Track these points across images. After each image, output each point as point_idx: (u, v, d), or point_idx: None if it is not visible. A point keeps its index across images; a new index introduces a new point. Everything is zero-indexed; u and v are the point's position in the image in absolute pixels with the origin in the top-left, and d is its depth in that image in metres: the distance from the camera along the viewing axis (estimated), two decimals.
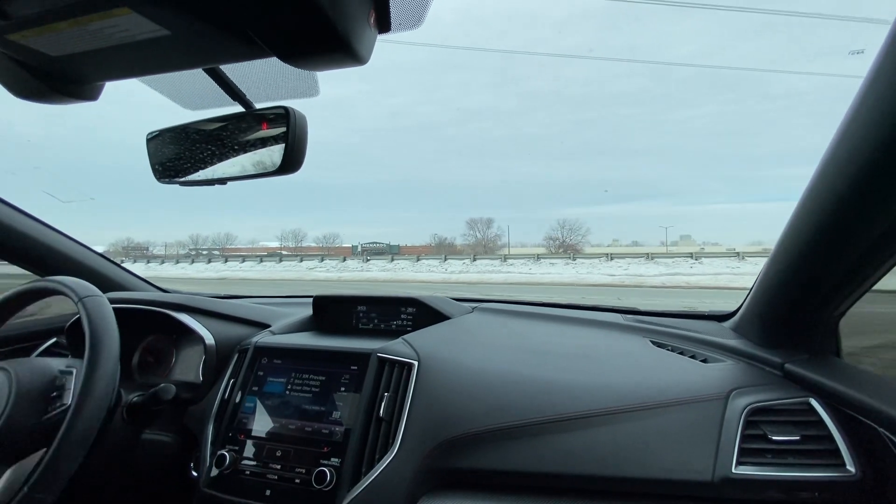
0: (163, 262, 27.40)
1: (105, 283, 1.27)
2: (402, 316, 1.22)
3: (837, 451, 0.68)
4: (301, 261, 25.44)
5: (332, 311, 1.26)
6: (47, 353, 1.20)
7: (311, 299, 1.26)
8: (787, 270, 0.78)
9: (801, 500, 0.67)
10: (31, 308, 0.92)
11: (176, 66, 0.54)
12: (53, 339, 1.23)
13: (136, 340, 1.17)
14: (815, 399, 0.73)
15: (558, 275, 17.29)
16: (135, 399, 0.89)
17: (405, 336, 0.97)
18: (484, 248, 43.79)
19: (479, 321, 1.19)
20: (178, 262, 26.61)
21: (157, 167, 0.74)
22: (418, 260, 23.86)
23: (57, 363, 0.82)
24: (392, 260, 24.25)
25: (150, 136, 0.75)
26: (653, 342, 1.01)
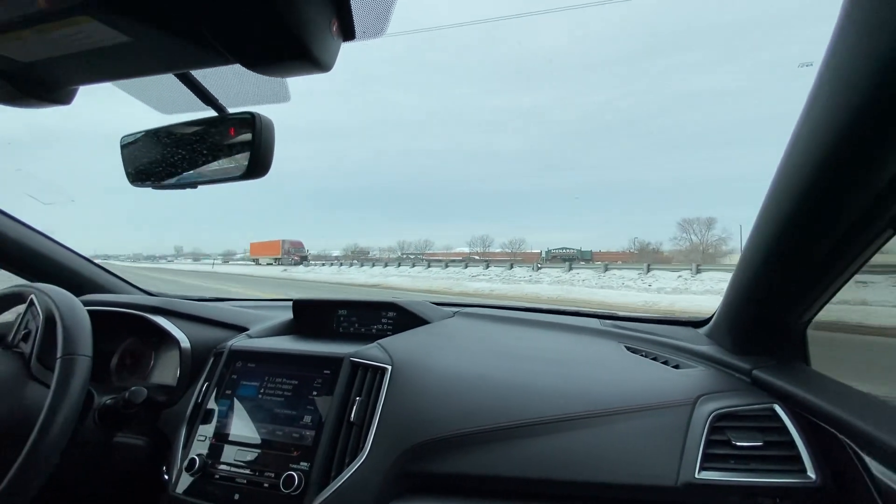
0: (373, 265, 27.22)
1: (86, 286, 1.27)
2: (383, 320, 1.23)
3: (799, 457, 0.68)
4: (465, 267, 22.08)
5: (312, 315, 1.27)
6: None
7: (291, 303, 1.26)
8: (754, 278, 0.79)
9: None
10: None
11: (143, 71, 0.55)
12: None
13: (114, 343, 1.17)
14: (779, 405, 0.74)
15: None
16: (107, 402, 0.89)
17: (381, 340, 0.98)
18: (702, 254, 35.30)
19: (459, 326, 1.19)
20: (386, 266, 26.15)
21: (130, 171, 0.74)
22: (606, 270, 15.98)
23: None
24: (570, 269, 17.37)
25: (124, 141, 0.75)
26: (627, 347, 1.02)
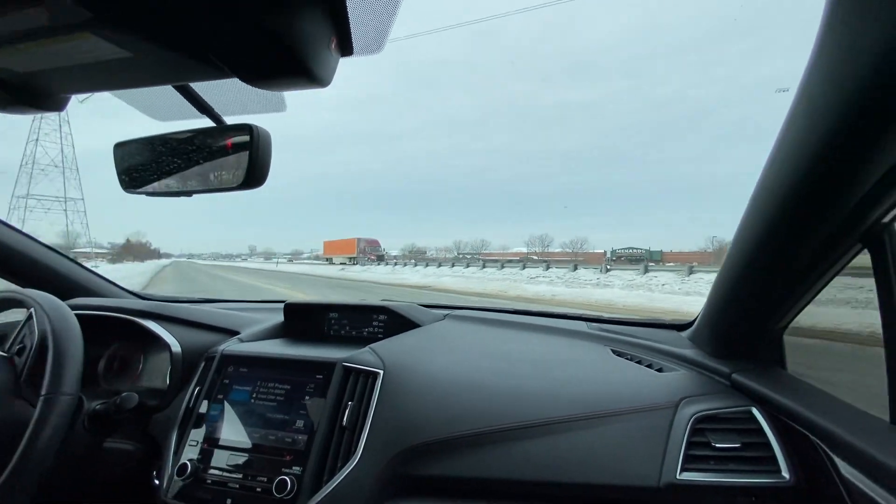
0: (427, 265, 26.38)
1: (74, 289, 1.26)
2: (374, 323, 1.24)
3: (774, 458, 0.71)
4: (523, 267, 20.48)
5: (302, 318, 1.27)
6: None
7: (282, 305, 1.27)
8: (734, 283, 0.82)
9: None
10: None
11: (141, 83, 0.56)
12: None
13: (103, 347, 1.16)
14: (756, 408, 0.77)
15: None
16: (97, 407, 0.88)
17: (372, 345, 0.99)
18: None
19: (450, 328, 1.21)
20: (440, 266, 25.26)
21: (123, 177, 0.74)
22: (691, 273, 13.38)
23: None
24: (645, 271, 14.91)
25: (117, 146, 0.75)
26: (613, 351, 1.05)
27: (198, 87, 0.66)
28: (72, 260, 1.32)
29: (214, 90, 0.69)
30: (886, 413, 0.62)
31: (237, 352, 1.01)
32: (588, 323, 1.24)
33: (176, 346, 1.04)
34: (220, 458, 0.86)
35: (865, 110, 0.48)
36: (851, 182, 0.55)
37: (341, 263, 38.79)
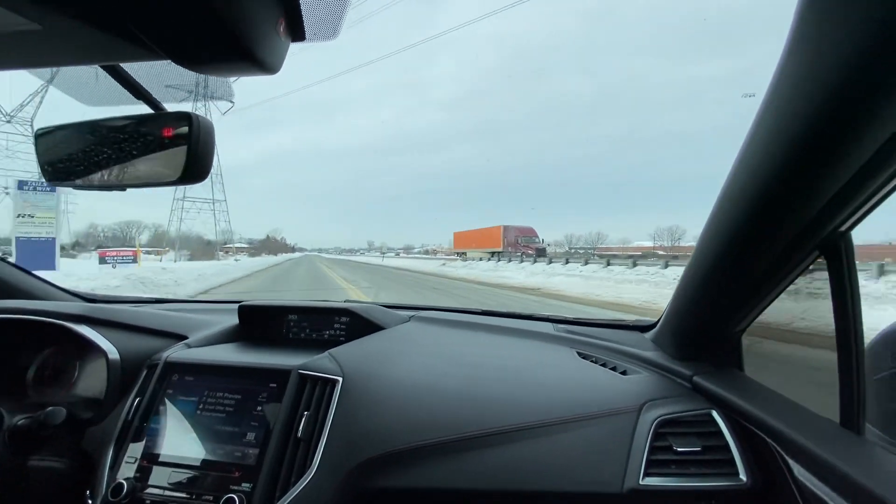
0: (535, 261, 22.31)
1: (2, 290, 1.14)
2: (336, 326, 1.19)
3: (733, 460, 0.72)
4: (666, 266, 13.88)
5: (259, 321, 1.21)
6: None
7: (237, 306, 1.20)
8: (696, 287, 0.82)
9: None
10: None
11: (56, 61, 0.49)
12: None
13: (31, 353, 1.05)
14: (716, 411, 0.78)
15: None
16: (20, 422, 0.80)
17: (332, 350, 0.94)
18: None
19: (415, 331, 1.17)
20: (551, 262, 20.85)
21: (46, 167, 0.66)
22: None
23: None
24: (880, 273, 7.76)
25: (39, 133, 0.67)
26: (579, 353, 1.05)
27: (137, 71, 0.60)
28: (2, 260, 1.20)
29: (154, 76, 0.63)
30: (837, 414, 0.64)
31: (183, 359, 0.94)
32: (554, 325, 1.23)
33: (113, 353, 0.95)
34: (160, 476, 0.79)
35: (828, 121, 0.48)
36: (812, 192, 0.56)
37: (480, 259, 29.71)
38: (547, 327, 1.21)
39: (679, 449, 0.74)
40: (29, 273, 1.27)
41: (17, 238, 14.97)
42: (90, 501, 0.81)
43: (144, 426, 0.85)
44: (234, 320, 1.20)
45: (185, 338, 1.06)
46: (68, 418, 0.83)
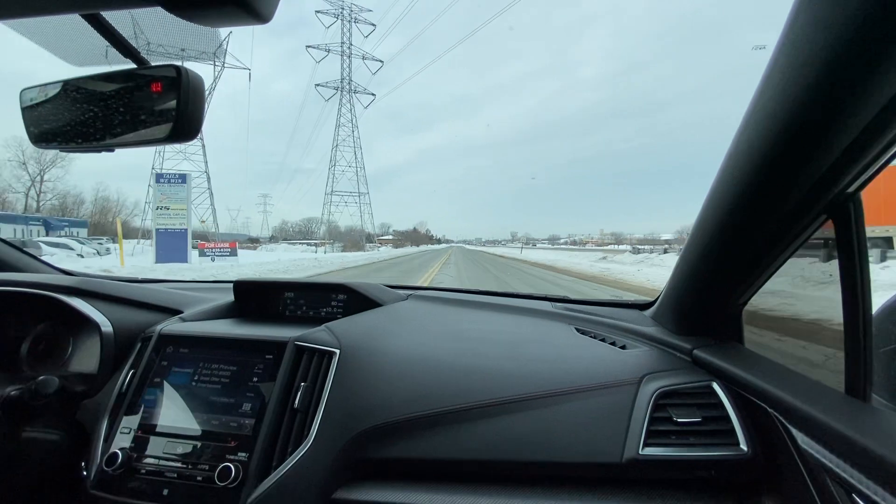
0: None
1: None
2: (333, 303, 1.18)
3: (733, 431, 0.72)
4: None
5: (256, 298, 1.20)
6: None
7: (231, 285, 1.18)
8: (695, 262, 0.81)
9: (699, 477, 0.71)
10: None
11: (41, 8, 0.47)
12: None
13: (25, 328, 1.04)
14: (717, 383, 0.78)
15: None
16: (12, 393, 0.78)
17: (329, 323, 0.93)
18: None
19: (412, 308, 1.16)
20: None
21: (31, 129, 0.64)
22: None
23: None
24: None
25: (25, 95, 0.65)
26: (577, 329, 1.04)
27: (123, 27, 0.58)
28: None
29: (142, 31, 0.61)
30: (842, 384, 0.63)
31: (177, 331, 0.93)
32: (552, 303, 1.22)
33: (107, 326, 0.94)
34: (156, 446, 0.79)
35: (835, 76, 0.47)
36: (817, 152, 0.54)
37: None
38: (545, 305, 1.21)
39: (679, 420, 0.74)
40: (15, 247, 1.25)
41: (156, 230, 15.94)
42: (85, 472, 0.80)
43: (139, 398, 0.84)
44: (228, 298, 1.18)
45: (180, 312, 1.05)
46: (62, 391, 0.82)
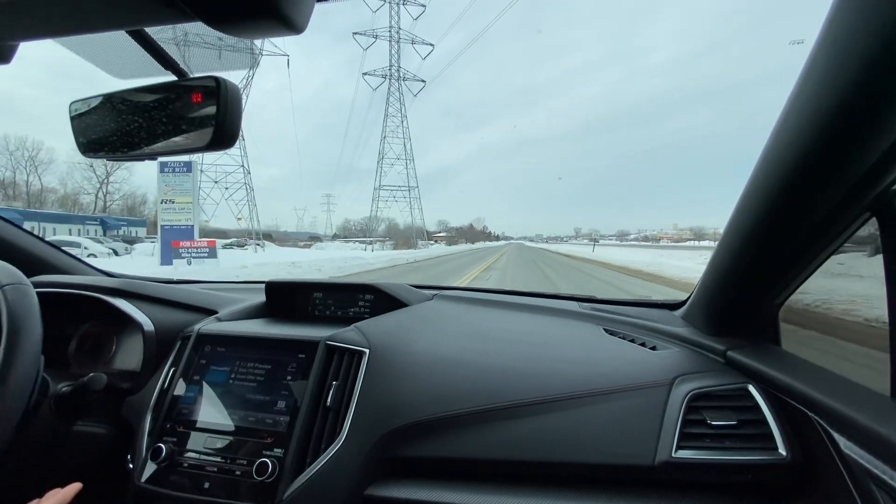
0: None
1: (35, 265, 1.19)
2: (360, 303, 1.20)
3: (771, 434, 0.70)
4: None
5: (286, 298, 1.23)
6: None
7: (263, 285, 1.22)
8: (730, 261, 0.79)
9: (735, 481, 0.70)
10: None
11: (89, 26, 0.49)
12: None
13: (72, 327, 1.10)
14: (753, 385, 0.76)
15: None
16: (64, 390, 0.83)
17: (358, 323, 0.95)
18: None
19: (438, 308, 1.17)
20: None
21: (81, 140, 0.68)
22: None
23: None
24: None
25: (74, 108, 0.68)
26: (605, 330, 1.03)
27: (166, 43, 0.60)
28: (33, 235, 1.24)
29: (182, 45, 0.63)
30: (887, 387, 0.61)
31: (214, 331, 0.96)
32: (579, 303, 1.21)
33: (148, 326, 0.98)
34: (196, 442, 0.82)
35: (882, 65, 0.45)
36: (862, 148, 0.52)
37: None
38: (572, 305, 1.20)
39: (713, 423, 0.72)
40: (61, 250, 1.32)
41: (161, 227, 13.61)
42: (131, 465, 0.85)
43: (180, 395, 0.88)
44: (260, 298, 1.22)
45: (215, 312, 1.09)
46: (108, 387, 0.86)
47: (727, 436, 0.72)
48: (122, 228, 38.00)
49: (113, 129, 0.64)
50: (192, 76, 0.59)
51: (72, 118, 0.68)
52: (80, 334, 1.10)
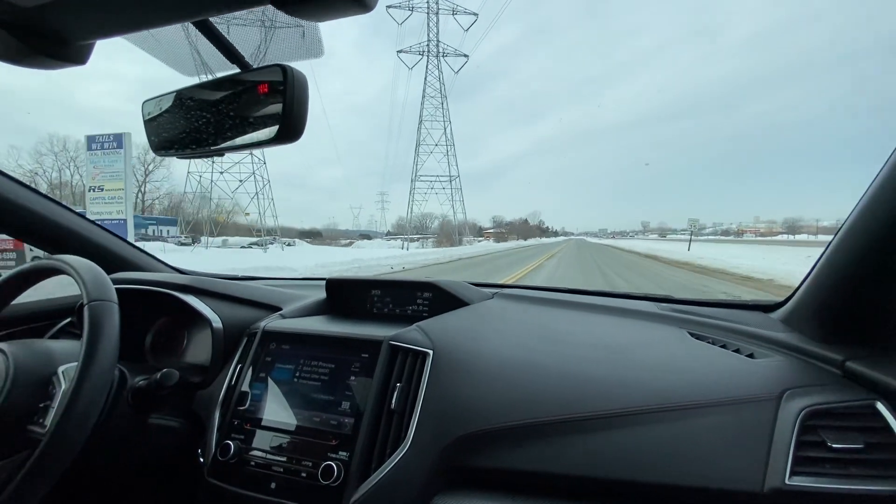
0: None
1: (115, 262, 1.25)
2: (419, 301, 1.16)
3: None
4: None
5: (345, 295, 1.22)
6: (62, 332, 1.19)
7: (324, 282, 1.22)
8: (853, 258, 0.68)
9: None
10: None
11: (163, 19, 0.48)
12: (69, 319, 1.22)
13: (148, 322, 1.15)
14: (882, 402, 0.64)
15: None
16: (140, 383, 0.86)
17: (420, 323, 0.91)
18: None
19: (500, 307, 1.12)
20: None
21: (153, 139, 0.68)
22: None
23: (61, 347, 0.79)
24: None
25: (147, 108, 0.69)
26: (691, 333, 0.92)
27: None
28: (111, 233, 1.31)
29: (242, 39, 0.62)
30: None
31: (279, 328, 0.96)
32: (657, 304, 1.11)
33: (217, 322, 1.00)
34: (263, 440, 0.82)
35: None
36: None
37: None
38: (648, 306, 1.09)
39: (835, 446, 0.62)
40: (137, 248, 1.39)
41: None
42: (202, 459, 0.86)
43: (246, 391, 0.88)
44: (321, 295, 1.22)
45: (279, 309, 1.10)
46: (181, 381, 0.88)
47: (853, 461, 0.61)
48: (148, 227, 34.78)
49: (182, 126, 0.63)
50: (255, 67, 0.57)
51: (144, 119, 0.69)
52: (155, 329, 1.15)
